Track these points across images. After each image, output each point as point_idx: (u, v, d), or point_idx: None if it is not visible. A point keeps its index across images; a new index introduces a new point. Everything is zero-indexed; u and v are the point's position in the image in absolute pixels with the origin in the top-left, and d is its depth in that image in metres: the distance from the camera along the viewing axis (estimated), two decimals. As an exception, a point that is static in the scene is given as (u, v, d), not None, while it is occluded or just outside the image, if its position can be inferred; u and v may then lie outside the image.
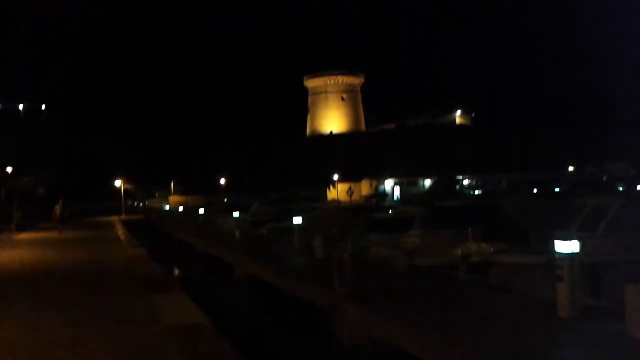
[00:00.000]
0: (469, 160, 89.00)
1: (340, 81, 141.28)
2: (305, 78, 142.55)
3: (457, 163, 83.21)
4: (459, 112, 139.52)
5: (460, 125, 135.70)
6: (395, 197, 72.42)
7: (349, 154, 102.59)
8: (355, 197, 75.18)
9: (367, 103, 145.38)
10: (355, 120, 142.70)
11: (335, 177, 78.76)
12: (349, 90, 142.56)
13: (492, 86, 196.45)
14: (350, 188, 74.71)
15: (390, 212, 21.91)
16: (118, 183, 66.73)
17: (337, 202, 52.32)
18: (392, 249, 17.65)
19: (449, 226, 17.91)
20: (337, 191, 76.19)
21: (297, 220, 19.36)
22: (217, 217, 37.02)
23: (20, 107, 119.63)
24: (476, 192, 69.47)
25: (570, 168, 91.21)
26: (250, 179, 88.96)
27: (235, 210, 44.22)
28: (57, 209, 32.85)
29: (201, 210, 40.91)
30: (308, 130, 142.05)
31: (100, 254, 20.23)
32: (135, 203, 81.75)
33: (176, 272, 23.38)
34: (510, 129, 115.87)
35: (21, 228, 38.30)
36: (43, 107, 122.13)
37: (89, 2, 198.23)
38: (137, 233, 36.53)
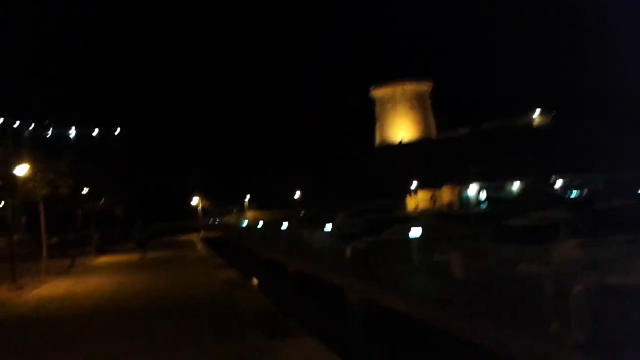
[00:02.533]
0: (553, 161, 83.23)
1: (408, 89, 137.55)
2: (371, 88, 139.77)
3: (546, 164, 77.50)
4: (537, 111, 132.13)
5: (537, 126, 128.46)
6: (482, 204, 67.61)
7: (424, 161, 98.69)
8: (435, 204, 71.01)
9: (437, 108, 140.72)
10: (425, 127, 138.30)
11: (414, 184, 74.86)
12: (418, 97, 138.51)
13: (572, 83, 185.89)
14: (433, 195, 70.57)
15: (522, 218, 18.13)
16: (195, 201, 65.60)
17: (434, 210, 48.59)
18: (543, 264, 13.98)
19: (611, 233, 14.14)
20: (417, 200, 72.26)
21: (415, 232, 16.05)
22: (301, 232, 34.20)
23: (95, 131, 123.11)
24: (573, 193, 63.75)
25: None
26: (324, 191, 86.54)
27: (316, 223, 41.54)
28: (134, 234, 30.74)
29: (284, 225, 38.27)
30: (377, 140, 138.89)
31: (189, 278, 17.70)
32: (212, 220, 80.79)
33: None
34: (592, 126, 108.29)
35: (101, 251, 36.94)
36: (117, 131, 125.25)
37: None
38: (218, 251, 34.30)
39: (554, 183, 72.55)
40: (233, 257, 32.95)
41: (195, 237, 50.29)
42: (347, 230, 32.99)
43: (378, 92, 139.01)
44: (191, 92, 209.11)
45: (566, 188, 71.61)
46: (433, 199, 69.15)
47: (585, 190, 66.05)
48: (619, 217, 14.89)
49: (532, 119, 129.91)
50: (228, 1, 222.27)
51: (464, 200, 70.67)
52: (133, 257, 28.95)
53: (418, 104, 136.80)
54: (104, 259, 31.49)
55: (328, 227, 27.70)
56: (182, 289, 15.19)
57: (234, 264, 25.63)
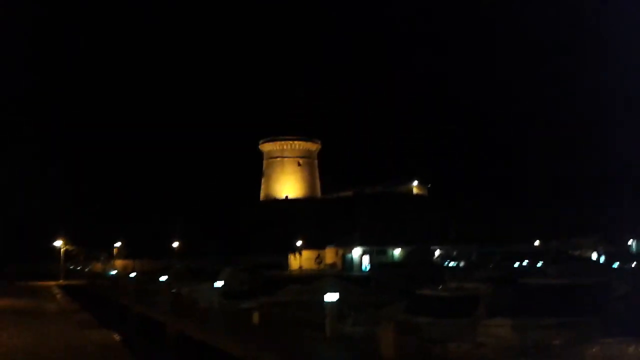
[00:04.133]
0: (433, 231, 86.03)
1: (297, 146, 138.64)
2: (260, 142, 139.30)
3: (425, 233, 79.65)
4: (415, 182, 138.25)
5: (418, 195, 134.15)
6: (364, 267, 67.58)
7: (308, 220, 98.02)
8: (320, 264, 69.92)
9: (323, 170, 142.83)
10: (311, 186, 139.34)
11: (299, 243, 73.51)
12: (306, 155, 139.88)
13: (446, 158, 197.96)
14: (319, 256, 69.54)
15: (439, 288, 16.87)
16: (58, 243, 59.01)
17: (328, 271, 47.02)
18: (476, 346, 12.60)
19: (539, 313, 13.14)
20: (301, 259, 70.81)
21: (331, 297, 14.03)
22: (185, 286, 30.86)
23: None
24: (451, 264, 65.53)
25: (537, 242, 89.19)
26: (204, 243, 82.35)
27: (198, 278, 38.13)
28: None
29: (163, 278, 34.62)
30: (262, 195, 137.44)
31: (52, 339, 14.23)
32: (75, 266, 73.38)
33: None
34: (470, 201, 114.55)
35: None
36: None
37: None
38: (83, 303, 29.96)
39: (433, 252, 74.59)
40: (100, 311, 28.83)
41: (54, 285, 44.59)
42: (235, 287, 30.33)
43: (266, 147, 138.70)
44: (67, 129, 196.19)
45: (444, 258, 73.83)
46: (319, 259, 68.17)
47: (462, 262, 68.31)
48: (545, 296, 14.03)
49: (411, 188, 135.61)
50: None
51: (347, 263, 70.42)
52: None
53: (305, 162, 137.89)
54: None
55: (219, 283, 24.92)
56: (41, 355, 11.93)
57: (103, 320, 22.00)
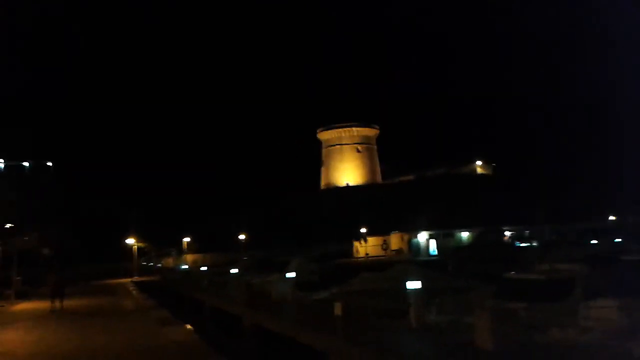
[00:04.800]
0: (500, 211, 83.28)
1: (355, 133, 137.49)
2: (318, 130, 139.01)
3: (493, 214, 77.12)
4: (479, 162, 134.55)
5: (481, 174, 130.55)
6: (432, 251, 66.08)
7: (370, 207, 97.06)
8: (386, 251, 68.93)
9: (383, 155, 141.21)
10: (371, 172, 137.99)
11: (363, 230, 72.69)
12: (365, 142, 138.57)
13: (511, 137, 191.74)
14: (385, 242, 68.53)
15: (531, 271, 15.76)
16: (130, 241, 60.65)
17: (399, 256, 46.17)
18: (576, 328, 11.53)
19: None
20: (366, 246, 70.00)
21: (414, 284, 13.25)
22: (257, 278, 30.72)
23: (26, 164, 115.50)
24: (523, 244, 63.16)
25: (611, 217, 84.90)
26: (268, 234, 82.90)
27: (269, 269, 37.96)
28: (51, 279, 25.74)
29: (233, 270, 34.71)
30: (322, 183, 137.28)
31: (128, 337, 14.13)
32: (147, 263, 75.50)
33: None
34: (534, 179, 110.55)
35: (21, 295, 32.23)
36: (49, 164, 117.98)
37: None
38: (158, 299, 30.36)
39: (503, 233, 72.14)
40: (176, 306, 29.11)
41: (128, 282, 45.72)
42: (305, 277, 29.93)
43: (324, 135, 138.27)
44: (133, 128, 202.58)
45: (514, 238, 71.32)
46: (384, 245, 67.19)
47: (535, 242, 65.77)
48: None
49: (474, 168, 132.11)
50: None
51: (413, 248, 69.09)
52: (57, 303, 24.75)
53: (364, 148, 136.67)
54: (23, 305, 27.11)
55: (290, 274, 24.53)
56: (122, 356, 11.77)
57: (179, 315, 22.03)
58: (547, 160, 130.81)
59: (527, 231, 69.75)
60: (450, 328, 12.70)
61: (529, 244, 65.00)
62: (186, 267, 55.70)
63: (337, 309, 12.27)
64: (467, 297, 15.47)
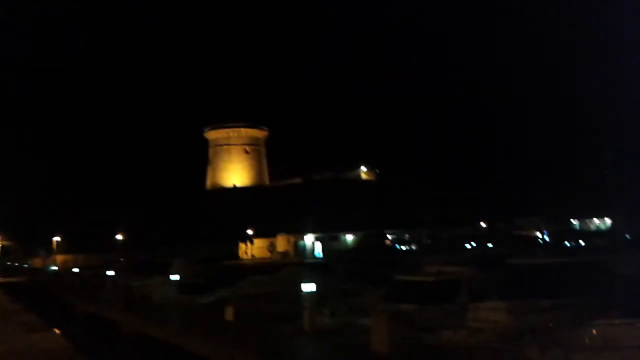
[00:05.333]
0: (383, 216, 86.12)
1: (243, 133, 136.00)
2: (205, 129, 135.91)
3: (376, 218, 79.48)
4: (363, 168, 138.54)
5: (367, 180, 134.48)
6: (317, 254, 66.77)
7: (257, 208, 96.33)
8: (273, 253, 68.61)
9: (271, 157, 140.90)
10: (259, 173, 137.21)
11: (250, 232, 71.91)
12: (253, 143, 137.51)
13: (395, 144, 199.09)
14: (271, 244, 68.14)
15: (420, 273, 15.94)
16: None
17: (287, 259, 45.83)
18: (466, 330, 11.74)
19: (533, 294, 12.39)
20: (252, 248, 69.28)
21: (309, 287, 12.82)
22: (130, 281, 28.85)
23: None
24: (403, 247, 65.69)
25: (482, 224, 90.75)
26: (148, 235, 79.38)
27: (149, 271, 36.07)
28: None
29: (109, 272, 32.49)
30: (209, 184, 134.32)
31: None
32: (12, 263, 69.33)
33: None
34: (417, 186, 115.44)
35: None
36: None
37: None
38: (25, 302, 27.65)
39: (385, 237, 74.57)
40: (45, 310, 26.63)
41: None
42: (189, 280, 28.64)
43: (212, 134, 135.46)
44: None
45: (395, 242, 74.02)
46: (271, 247, 66.84)
47: (414, 245, 68.72)
48: (537, 276, 13.34)
49: (360, 173, 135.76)
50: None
51: (299, 250, 69.42)
52: None
53: (253, 149, 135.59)
54: None
55: (174, 276, 23.29)
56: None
57: (48, 320, 20.07)
58: (429, 168, 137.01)
59: (407, 235, 72.66)
60: (345, 331, 12.45)
61: (408, 248, 67.80)
62: (56, 268, 51.76)
63: (229, 314, 11.57)
64: (359, 300, 15.38)
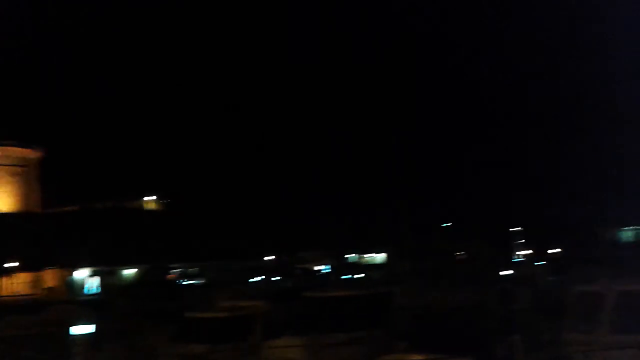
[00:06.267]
0: (169, 248, 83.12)
1: (10, 153, 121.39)
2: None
3: (161, 251, 76.20)
4: (149, 197, 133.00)
5: (152, 210, 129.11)
6: (92, 289, 61.36)
7: (23, 238, 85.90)
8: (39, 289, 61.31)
9: (45, 181, 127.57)
10: (27, 198, 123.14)
11: (11, 265, 63.49)
12: (22, 164, 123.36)
13: (184, 175, 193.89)
14: (38, 279, 60.81)
15: (209, 310, 14.79)
16: None
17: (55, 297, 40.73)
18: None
19: (329, 328, 12.25)
20: (15, 283, 61.10)
21: (81, 328, 10.87)
22: None
23: None
24: (189, 282, 63.80)
25: (267, 257, 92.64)
26: None
27: None
28: None
29: None
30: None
31: None
32: None
33: None
34: (204, 217, 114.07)
35: None
36: None
37: None
38: None
39: (169, 271, 71.87)
40: None
41: None
42: None
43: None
44: None
45: (181, 276, 71.72)
46: (37, 283, 59.71)
47: (202, 279, 67.30)
48: (332, 309, 13.15)
49: (145, 203, 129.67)
50: None
51: (72, 286, 63.39)
52: None
53: (21, 171, 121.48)
54: None
55: None
56: None
57: None
58: (218, 200, 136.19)
59: (193, 269, 71.13)
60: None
61: (193, 282, 66.07)
62: None
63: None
64: (141, 341, 13.77)
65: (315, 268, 79.54)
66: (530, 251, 75.56)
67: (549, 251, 71.77)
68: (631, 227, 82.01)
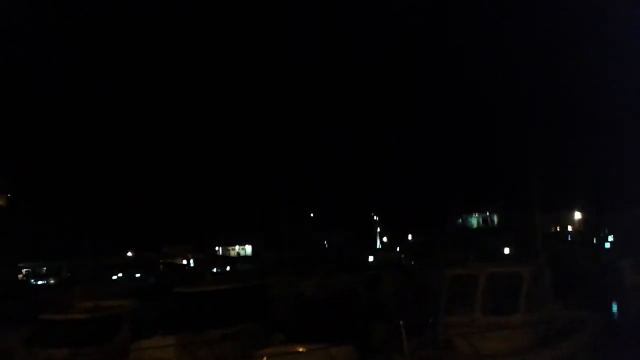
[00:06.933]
0: (14, 246, 76.06)
1: None
2: None
3: (6, 249, 69.57)
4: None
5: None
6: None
7: None
8: None
9: None
10: None
11: None
12: None
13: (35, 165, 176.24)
14: None
15: (66, 311, 13.40)
16: None
17: None
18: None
19: (199, 325, 11.73)
20: None
21: None
22: None
23: None
24: (40, 282, 59.21)
25: (129, 253, 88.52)
26: None
27: None
28: None
29: None
30: None
31: None
32: None
33: None
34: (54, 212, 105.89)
35: None
36: None
37: None
38: None
39: (19, 270, 66.12)
40: None
41: None
42: None
43: None
44: None
45: (31, 276, 66.33)
46: None
47: (53, 279, 62.84)
48: (206, 304, 12.50)
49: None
50: None
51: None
52: None
53: None
54: None
55: None
56: None
57: None
58: (71, 195, 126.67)
59: (45, 268, 66.11)
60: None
61: (46, 282, 61.47)
62: None
63: None
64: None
65: (181, 263, 77.32)
66: (391, 237, 79.40)
67: (409, 237, 75.99)
68: (476, 214, 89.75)
